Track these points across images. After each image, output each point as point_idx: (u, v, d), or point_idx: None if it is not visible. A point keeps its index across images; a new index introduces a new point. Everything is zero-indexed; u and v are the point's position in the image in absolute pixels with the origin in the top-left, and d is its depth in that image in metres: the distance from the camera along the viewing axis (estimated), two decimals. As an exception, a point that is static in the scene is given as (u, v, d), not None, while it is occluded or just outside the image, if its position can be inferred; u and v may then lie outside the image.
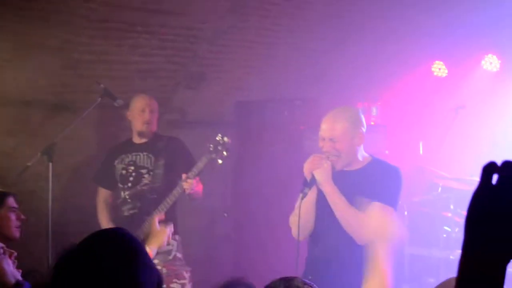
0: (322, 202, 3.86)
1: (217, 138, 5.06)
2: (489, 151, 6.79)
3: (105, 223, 5.42)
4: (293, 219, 3.93)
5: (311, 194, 3.85)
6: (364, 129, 3.90)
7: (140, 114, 5.41)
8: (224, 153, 5.03)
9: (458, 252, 5.75)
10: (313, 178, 3.81)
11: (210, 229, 7.16)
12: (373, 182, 3.82)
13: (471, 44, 7.11)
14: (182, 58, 6.71)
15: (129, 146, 5.50)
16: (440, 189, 6.17)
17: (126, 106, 5.56)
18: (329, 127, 3.84)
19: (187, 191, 5.01)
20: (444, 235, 6.07)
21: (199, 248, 6.83)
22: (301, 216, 3.78)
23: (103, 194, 5.60)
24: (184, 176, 4.99)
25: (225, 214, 6.94)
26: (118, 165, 5.47)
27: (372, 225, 3.75)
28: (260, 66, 7.28)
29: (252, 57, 7.14)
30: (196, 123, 7.13)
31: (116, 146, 5.65)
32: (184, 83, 6.95)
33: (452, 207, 6.01)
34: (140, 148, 5.46)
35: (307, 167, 3.84)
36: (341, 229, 3.76)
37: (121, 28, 6.01)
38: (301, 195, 3.86)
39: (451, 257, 5.90)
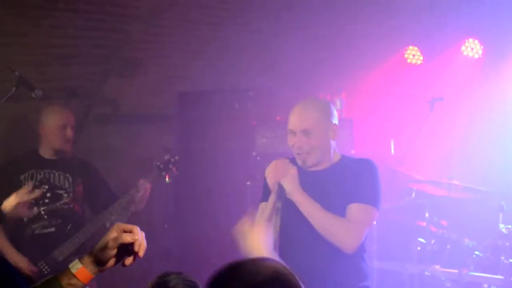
0: (289, 212, 3.85)
1: (167, 157, 5.52)
2: (470, 149, 6.84)
3: (2, 243, 5.32)
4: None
5: (269, 205, 3.86)
6: (337, 122, 3.95)
7: (61, 131, 5.46)
8: (174, 172, 5.53)
9: (434, 267, 5.81)
10: (281, 189, 3.82)
11: (147, 244, 7.08)
12: (348, 181, 3.86)
13: (449, 27, 7.17)
14: (113, 41, 6.65)
15: (38, 161, 5.50)
16: (414, 194, 6.21)
17: (46, 97, 5.48)
18: (301, 117, 3.87)
19: (139, 198, 5.36)
20: (419, 248, 6.07)
21: (133, 267, 6.76)
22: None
23: None
24: (141, 181, 5.37)
25: (165, 225, 6.89)
26: (27, 181, 5.40)
27: (358, 230, 3.77)
28: (205, 51, 7.25)
29: (196, 40, 7.11)
30: (131, 117, 7.13)
31: (20, 158, 5.60)
32: (116, 71, 6.92)
33: (427, 215, 6.03)
34: (52, 165, 5.49)
35: (271, 176, 3.85)
36: (319, 239, 3.77)
37: (39, 4, 5.91)
38: (264, 205, 3.87)
39: (426, 273, 5.93)
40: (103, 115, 6.90)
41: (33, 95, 5.29)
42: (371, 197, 3.85)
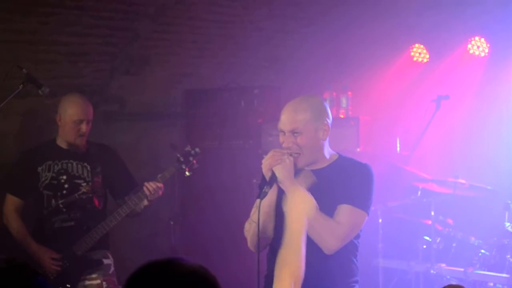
0: (281, 203, 3.79)
1: (187, 149, 5.45)
2: (476, 148, 6.84)
3: (24, 236, 5.37)
4: (249, 227, 3.93)
5: (271, 196, 3.85)
6: (329, 121, 3.94)
7: (75, 126, 5.37)
8: (195, 165, 5.46)
9: (440, 265, 5.81)
10: (273, 176, 3.81)
11: (152, 241, 7.10)
12: (341, 182, 3.86)
13: (456, 25, 7.15)
14: (120, 39, 6.68)
15: (55, 152, 5.46)
16: (419, 192, 6.22)
17: (54, 94, 5.50)
18: (290, 118, 3.85)
19: (151, 197, 5.26)
20: (424, 246, 6.06)
21: (138, 261, 6.78)
22: (260, 223, 3.75)
23: (14, 203, 5.47)
24: (147, 184, 5.25)
25: (171, 222, 6.89)
26: (45, 173, 5.41)
27: (342, 232, 3.77)
28: (212, 48, 7.29)
29: (202, 38, 7.14)
30: (138, 115, 7.19)
31: (37, 150, 5.56)
32: (123, 68, 6.96)
33: (433, 213, 6.03)
34: (70, 155, 5.45)
35: (266, 163, 3.84)
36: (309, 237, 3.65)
37: (47, 2, 5.93)
38: (258, 202, 3.84)
39: (431, 271, 5.92)
40: (109, 113, 6.92)
41: (40, 92, 5.31)
42: (361, 201, 3.84)
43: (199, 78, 7.36)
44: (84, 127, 5.37)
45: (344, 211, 3.80)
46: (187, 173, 5.45)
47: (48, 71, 6.13)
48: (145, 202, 5.30)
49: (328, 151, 3.97)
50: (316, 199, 3.71)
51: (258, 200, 3.88)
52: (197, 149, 5.46)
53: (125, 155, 6.65)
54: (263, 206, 3.80)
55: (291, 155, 3.84)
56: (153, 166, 6.72)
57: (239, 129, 7.14)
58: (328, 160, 3.95)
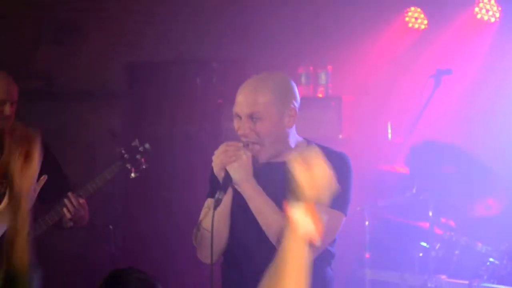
0: (240, 209, 3.85)
1: (134, 144, 5.39)
2: (484, 132, 6.87)
3: None
4: (199, 235, 3.91)
5: (225, 200, 3.82)
6: (297, 104, 3.89)
7: None
8: (143, 164, 5.41)
9: (439, 277, 5.79)
10: (228, 177, 3.77)
11: (87, 251, 7.01)
12: None
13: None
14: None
15: None
16: (415, 189, 6.16)
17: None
18: (248, 99, 3.81)
19: (68, 216, 5.15)
20: (420, 254, 6.07)
21: (71, 274, 6.70)
22: (214, 231, 3.74)
23: None
24: (70, 194, 5.15)
25: (110, 226, 6.81)
26: None
27: None
28: (160, 13, 7.35)
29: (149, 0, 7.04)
30: (68, 94, 7.29)
31: None
32: (49, 37, 7.02)
33: (431, 214, 5.98)
34: None
35: (217, 161, 3.82)
36: (271, 244, 3.73)
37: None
38: (210, 202, 3.84)
39: (429, 284, 5.91)
40: (33, 91, 6.88)
41: None
42: (338, 200, 3.68)
43: (145, 49, 7.45)
44: (8, 109, 5.35)
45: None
46: (132, 174, 5.39)
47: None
48: (69, 223, 5.20)
49: (294, 139, 3.94)
50: (278, 199, 3.68)
51: (209, 200, 3.87)
52: (146, 145, 5.40)
53: (53, 145, 6.56)
54: (217, 214, 3.76)
55: (248, 146, 3.81)
56: (88, 158, 6.70)
57: (194, 112, 7.22)
58: (294, 150, 3.85)
